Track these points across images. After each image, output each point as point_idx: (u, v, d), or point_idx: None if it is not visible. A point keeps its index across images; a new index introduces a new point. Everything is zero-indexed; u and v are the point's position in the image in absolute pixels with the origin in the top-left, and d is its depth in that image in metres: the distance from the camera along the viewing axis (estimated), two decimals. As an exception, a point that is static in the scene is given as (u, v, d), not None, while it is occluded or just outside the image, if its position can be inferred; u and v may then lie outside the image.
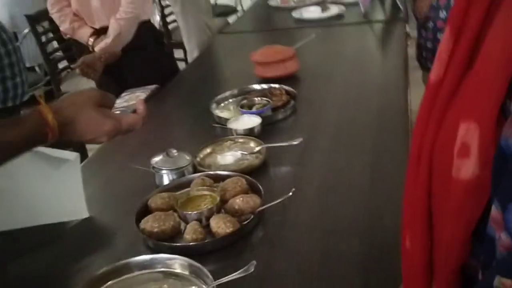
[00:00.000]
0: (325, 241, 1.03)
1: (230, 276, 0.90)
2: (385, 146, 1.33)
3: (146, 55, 2.18)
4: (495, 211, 0.45)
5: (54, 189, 1.15)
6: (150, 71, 2.07)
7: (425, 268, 0.59)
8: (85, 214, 1.17)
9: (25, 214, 1.14)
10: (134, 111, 1.00)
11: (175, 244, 1.06)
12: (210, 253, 1.04)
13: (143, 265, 1.01)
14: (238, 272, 0.90)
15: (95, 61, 1.98)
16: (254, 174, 1.28)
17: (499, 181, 0.44)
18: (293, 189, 1.10)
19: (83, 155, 2.45)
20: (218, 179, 1.27)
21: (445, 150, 0.53)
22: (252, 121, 1.52)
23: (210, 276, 0.93)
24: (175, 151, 1.34)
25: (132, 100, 1.05)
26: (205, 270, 0.95)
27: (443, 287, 0.58)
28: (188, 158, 1.35)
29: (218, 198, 1.16)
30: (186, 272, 0.99)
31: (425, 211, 0.58)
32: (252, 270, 0.89)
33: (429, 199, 0.58)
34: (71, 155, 1.18)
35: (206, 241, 1.05)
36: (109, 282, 0.97)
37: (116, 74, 2.11)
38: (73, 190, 1.17)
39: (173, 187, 1.27)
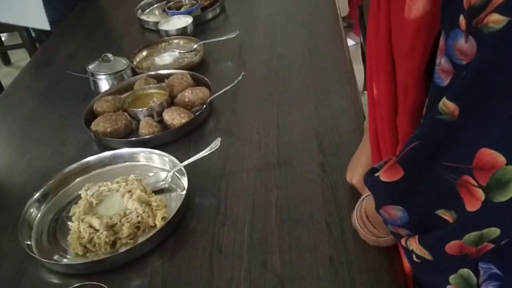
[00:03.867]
0: (278, 119, 1.08)
1: (198, 154, 0.94)
2: (317, 29, 1.39)
3: None
4: (441, 40, 0.50)
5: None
6: None
7: (392, 110, 0.65)
8: (46, 26, 1.30)
9: None
10: None
11: (133, 138, 1.07)
12: (168, 144, 1.06)
13: (105, 162, 1.01)
14: (205, 150, 0.93)
15: None
16: (196, 71, 1.28)
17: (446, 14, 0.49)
18: (243, 73, 1.13)
19: None
20: (161, 78, 1.26)
21: None
22: (183, 21, 1.49)
23: (176, 160, 0.96)
24: (110, 55, 1.30)
25: None
26: (170, 156, 0.97)
27: (404, 126, 0.63)
28: (125, 61, 1.32)
29: (167, 93, 1.16)
30: (151, 163, 1.01)
31: (387, 56, 0.63)
32: (218, 145, 0.93)
33: (390, 46, 0.62)
34: None
35: (163, 132, 1.07)
36: (76, 180, 0.97)
37: None
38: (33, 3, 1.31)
39: (115, 91, 1.24)
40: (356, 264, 0.74)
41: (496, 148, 0.44)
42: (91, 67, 1.28)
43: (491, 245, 0.50)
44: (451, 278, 0.61)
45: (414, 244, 0.56)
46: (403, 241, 0.59)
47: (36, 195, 0.91)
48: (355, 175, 0.85)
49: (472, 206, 0.47)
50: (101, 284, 0.71)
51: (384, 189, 0.57)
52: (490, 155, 0.44)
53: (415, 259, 0.57)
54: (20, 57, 3.45)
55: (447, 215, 0.51)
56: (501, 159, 0.44)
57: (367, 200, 0.75)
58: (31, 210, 0.90)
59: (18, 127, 1.22)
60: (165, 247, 0.83)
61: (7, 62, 3.58)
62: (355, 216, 0.77)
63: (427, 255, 0.55)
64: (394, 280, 0.71)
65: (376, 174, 0.58)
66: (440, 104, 0.47)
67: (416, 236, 0.55)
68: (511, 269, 0.58)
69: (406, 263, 0.73)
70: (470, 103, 0.45)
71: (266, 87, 1.19)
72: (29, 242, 0.86)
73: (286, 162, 0.96)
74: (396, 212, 0.56)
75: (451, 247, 0.51)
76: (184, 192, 0.90)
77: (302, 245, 0.79)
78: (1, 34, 3.54)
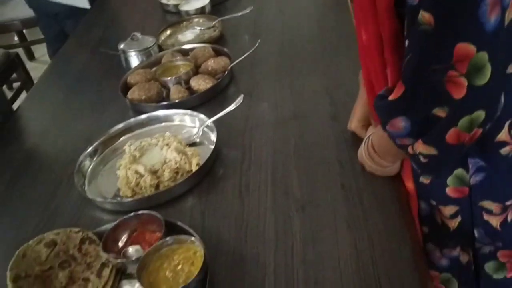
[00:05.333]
0: (292, 81, 1.22)
1: (225, 110, 1.07)
2: (325, 1, 1.51)
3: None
4: None
5: None
6: None
7: (380, 48, 0.76)
8: (86, 5, 1.61)
9: None
10: None
11: (165, 103, 1.21)
12: (196, 107, 1.20)
13: (144, 123, 1.16)
14: (231, 105, 1.07)
15: None
16: (216, 45, 1.42)
17: None
18: (259, 40, 1.26)
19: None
20: (185, 52, 1.40)
21: None
22: (201, 1, 1.63)
23: (205, 117, 1.10)
24: (139, 34, 1.44)
25: None
26: (200, 114, 1.11)
27: (388, 55, 0.74)
28: (151, 39, 1.46)
29: (192, 64, 1.30)
30: (183, 122, 1.15)
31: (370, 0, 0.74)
32: (242, 101, 1.07)
33: None
34: None
35: (191, 96, 1.21)
36: (120, 139, 1.12)
37: None
38: None
39: (145, 65, 1.38)
40: (364, 189, 0.88)
41: (467, 40, 0.57)
42: (122, 45, 1.42)
43: (480, 130, 0.64)
44: (449, 180, 0.74)
45: (420, 146, 0.69)
46: (409, 149, 0.72)
47: (89, 149, 1.06)
48: (352, 122, 0.98)
49: (458, 93, 0.60)
50: (153, 212, 0.85)
51: (390, 106, 0.70)
52: (464, 47, 0.58)
53: (422, 160, 0.70)
54: (44, 52, 3.61)
55: (441, 112, 0.63)
56: (472, 48, 0.57)
57: (373, 136, 0.88)
58: (84, 162, 1.05)
59: (61, 99, 1.38)
60: (200, 187, 0.97)
61: (31, 57, 3.75)
62: (362, 151, 0.90)
63: (432, 151, 0.68)
64: (398, 200, 0.85)
65: (386, 97, 0.71)
66: (419, 16, 0.60)
67: (420, 139, 0.68)
68: (493, 159, 0.73)
69: (409, 186, 0.87)
70: (440, 9, 0.58)
71: (280, 54, 1.33)
72: (82, 184, 1.01)
73: (301, 115, 1.10)
74: (401, 123, 0.68)
75: (451, 135, 0.64)
76: (214, 145, 1.04)
77: (318, 179, 0.92)
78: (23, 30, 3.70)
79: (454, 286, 0.91)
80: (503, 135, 0.73)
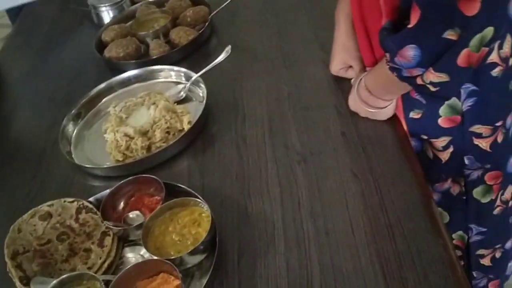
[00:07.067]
0: (278, 28, 1.16)
1: (213, 63, 1.02)
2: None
3: None
4: None
5: None
6: None
7: None
8: None
9: None
10: None
11: (146, 59, 1.14)
12: (179, 62, 1.14)
13: (126, 82, 1.09)
14: (219, 57, 1.02)
15: None
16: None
17: None
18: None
19: None
20: (160, 4, 1.31)
21: None
22: None
23: (192, 72, 1.04)
24: (108, -13, 1.34)
25: None
26: (186, 70, 1.05)
27: None
28: (122, -8, 1.37)
29: (170, 16, 1.22)
30: (169, 79, 1.09)
31: None
32: (230, 52, 1.02)
33: None
34: None
35: (173, 50, 1.14)
36: (103, 99, 1.06)
37: None
38: None
39: (119, 20, 1.30)
40: (365, 134, 0.85)
41: None
42: (92, 0, 1.33)
43: (486, 49, 0.62)
44: (441, 110, 0.73)
45: (430, 75, 0.67)
46: (419, 80, 0.69)
47: (72, 112, 1.01)
48: (333, 65, 0.96)
49: (472, 10, 0.58)
50: (152, 176, 0.81)
51: (405, 34, 0.66)
52: None
53: (432, 89, 0.69)
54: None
55: (453, 34, 0.61)
56: None
57: (366, 78, 0.84)
58: (68, 126, 1.00)
59: (33, 60, 1.30)
60: (195, 146, 0.93)
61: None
62: (355, 96, 0.87)
63: (444, 77, 0.66)
64: (400, 141, 0.83)
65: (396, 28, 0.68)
66: None
67: (431, 68, 0.66)
68: (484, 82, 0.74)
69: (404, 126, 0.85)
70: None
71: (262, 2, 1.26)
72: (68, 150, 0.96)
73: (291, 63, 1.05)
74: (410, 51, 0.65)
75: (462, 58, 0.63)
76: (204, 101, 0.99)
77: (316, 127, 0.89)
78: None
79: (445, 219, 0.92)
80: (494, 56, 0.72)
